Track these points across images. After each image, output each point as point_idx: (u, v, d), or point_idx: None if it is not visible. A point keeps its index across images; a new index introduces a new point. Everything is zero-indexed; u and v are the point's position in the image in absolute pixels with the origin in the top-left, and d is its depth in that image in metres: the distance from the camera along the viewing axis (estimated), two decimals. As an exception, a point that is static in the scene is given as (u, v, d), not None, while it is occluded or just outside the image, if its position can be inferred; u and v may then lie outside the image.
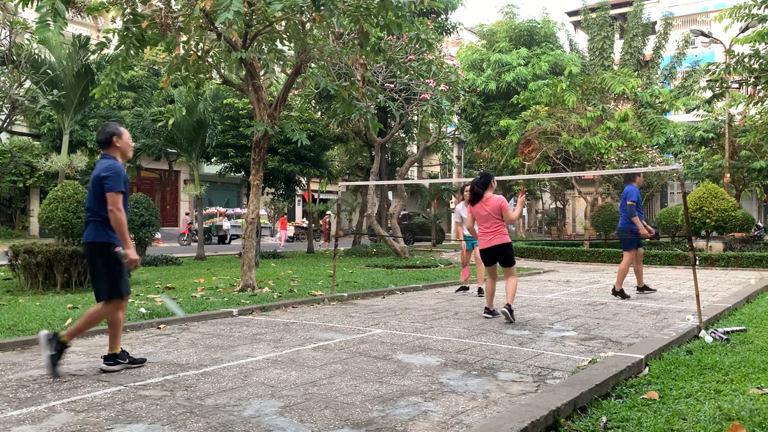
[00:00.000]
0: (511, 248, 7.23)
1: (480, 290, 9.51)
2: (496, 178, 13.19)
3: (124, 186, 4.68)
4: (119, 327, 4.78)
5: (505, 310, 6.94)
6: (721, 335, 5.96)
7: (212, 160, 19.98)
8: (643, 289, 9.64)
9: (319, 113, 19.91)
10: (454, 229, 10.60)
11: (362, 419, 3.60)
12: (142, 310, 7.16)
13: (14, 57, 14.06)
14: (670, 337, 5.75)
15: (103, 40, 8.70)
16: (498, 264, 7.32)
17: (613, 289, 9.32)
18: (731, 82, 15.82)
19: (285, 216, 30.72)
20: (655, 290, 9.91)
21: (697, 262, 14.54)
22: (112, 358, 4.73)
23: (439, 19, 22.04)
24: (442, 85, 17.15)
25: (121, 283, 4.71)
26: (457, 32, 24.16)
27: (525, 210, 44.94)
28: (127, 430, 3.41)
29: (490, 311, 7.35)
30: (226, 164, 20.27)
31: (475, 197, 7.35)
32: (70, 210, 9.92)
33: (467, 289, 10.17)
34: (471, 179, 8.97)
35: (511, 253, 7.23)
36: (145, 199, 15.21)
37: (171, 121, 14.75)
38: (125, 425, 3.48)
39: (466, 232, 9.79)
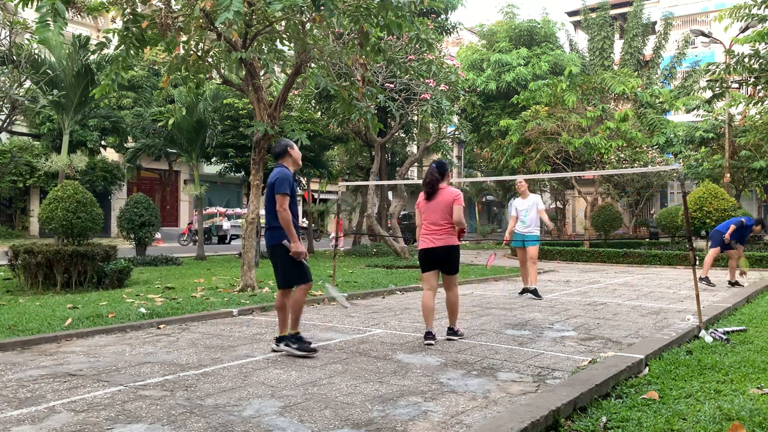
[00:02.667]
0: (458, 253, 5.99)
1: (524, 290, 9.60)
2: (496, 178, 13.19)
3: (290, 189, 5.28)
4: (302, 310, 5.43)
5: (451, 337, 5.97)
6: (721, 335, 5.96)
7: (212, 160, 19.96)
8: (734, 283, 10.94)
9: (319, 113, 19.89)
10: (511, 225, 9.87)
11: (362, 419, 3.60)
12: (142, 310, 7.15)
13: (14, 57, 14.05)
14: (670, 337, 5.76)
15: (103, 40, 8.70)
16: (438, 272, 6.07)
17: (729, 281, 10.99)
18: (731, 82, 15.81)
19: (340, 218, 30.27)
20: (738, 283, 10.97)
21: (697, 262, 14.53)
22: (292, 338, 5.34)
23: (439, 19, 22.03)
24: (442, 85, 17.14)
25: (304, 270, 5.35)
26: (457, 32, 24.15)
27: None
28: (127, 430, 3.41)
29: (431, 335, 5.85)
30: (226, 164, 20.24)
31: (432, 189, 5.99)
32: (70, 210, 9.92)
33: (529, 290, 9.72)
34: (517, 177, 9.05)
35: (458, 260, 6.02)
36: (145, 199, 15.21)
37: (171, 121, 14.75)
38: (125, 425, 3.48)
39: (517, 228, 9.64)
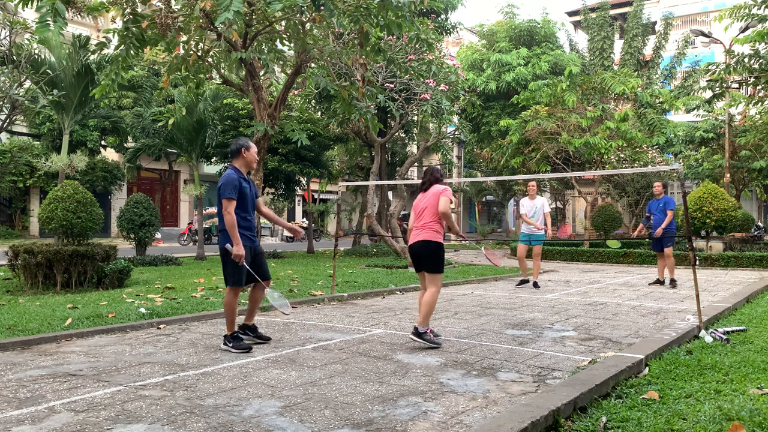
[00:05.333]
0: (440, 251, 5.65)
1: (527, 282, 10.86)
2: (496, 178, 13.37)
3: (237, 192, 5.37)
4: (234, 312, 5.56)
5: (415, 338, 5.53)
6: (721, 335, 5.96)
7: (212, 160, 19.98)
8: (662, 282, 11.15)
9: (319, 113, 19.89)
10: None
11: (362, 419, 3.60)
12: (142, 310, 7.15)
13: (14, 57, 14.04)
14: (670, 337, 5.76)
15: (103, 40, 8.71)
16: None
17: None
18: (731, 82, 15.80)
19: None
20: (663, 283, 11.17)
21: (697, 262, 14.57)
22: (227, 338, 5.51)
23: (439, 19, 22.02)
24: (442, 85, 17.12)
25: (240, 274, 5.46)
26: (457, 32, 24.12)
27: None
28: (127, 430, 3.41)
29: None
30: (226, 164, 20.25)
31: (429, 185, 5.86)
32: (70, 210, 9.92)
33: (527, 281, 10.95)
34: (535, 175, 9.50)
35: (440, 258, 5.65)
36: (145, 199, 15.20)
37: (171, 121, 14.75)
38: (125, 425, 3.48)
39: (523, 227, 10.83)
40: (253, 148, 5.69)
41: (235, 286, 5.51)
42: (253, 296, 5.81)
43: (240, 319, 6.02)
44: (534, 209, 10.60)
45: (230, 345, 5.41)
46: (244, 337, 5.65)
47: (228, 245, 5.37)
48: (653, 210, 11.04)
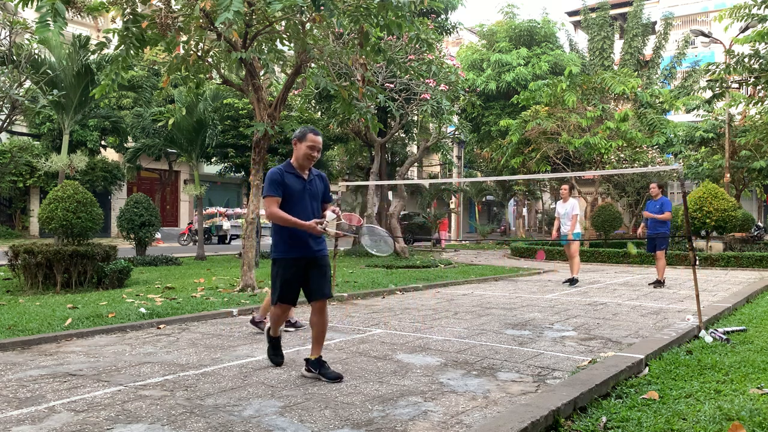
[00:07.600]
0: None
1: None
2: (496, 178, 13.38)
3: (280, 189, 4.45)
4: (276, 320, 4.84)
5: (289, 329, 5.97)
6: (721, 335, 5.96)
7: (212, 160, 19.97)
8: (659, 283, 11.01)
9: (319, 113, 19.89)
10: (556, 225, 11.40)
11: (362, 419, 3.60)
12: (142, 310, 7.15)
13: (14, 57, 14.04)
14: (670, 337, 5.76)
15: (103, 40, 8.69)
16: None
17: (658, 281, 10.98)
18: (731, 82, 15.80)
19: (446, 218, 30.11)
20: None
21: (697, 262, 14.57)
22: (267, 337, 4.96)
23: (439, 19, 22.01)
24: (442, 85, 17.13)
25: (280, 289, 4.58)
26: (457, 32, 24.12)
27: (525, 210, 44.96)
28: (127, 430, 3.41)
29: (293, 324, 6.44)
30: (226, 164, 20.26)
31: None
32: (70, 210, 9.92)
33: (576, 280, 11.18)
34: (558, 175, 9.47)
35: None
36: (145, 199, 15.21)
37: (171, 121, 14.72)
38: (125, 425, 3.48)
39: (562, 229, 11.12)
40: (308, 141, 4.52)
41: (281, 303, 4.65)
42: (312, 322, 4.68)
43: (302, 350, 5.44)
44: (565, 211, 11.05)
45: (305, 368, 4.61)
46: (308, 375, 4.57)
47: (276, 256, 4.59)
48: (650, 211, 11.16)
